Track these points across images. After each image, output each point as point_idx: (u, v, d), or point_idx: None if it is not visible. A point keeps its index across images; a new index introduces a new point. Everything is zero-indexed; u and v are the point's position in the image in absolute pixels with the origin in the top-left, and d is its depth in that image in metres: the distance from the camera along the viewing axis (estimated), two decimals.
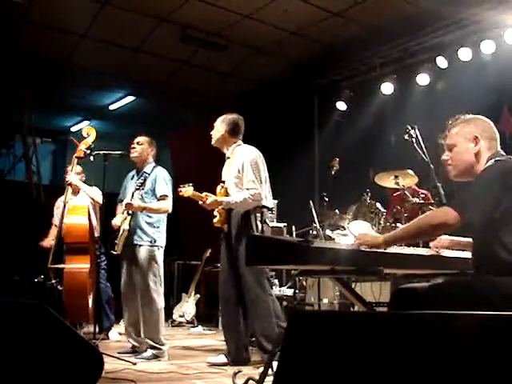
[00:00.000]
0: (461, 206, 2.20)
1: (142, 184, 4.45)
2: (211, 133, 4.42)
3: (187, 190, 4.12)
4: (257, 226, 4.05)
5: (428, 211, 5.24)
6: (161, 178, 4.55)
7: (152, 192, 4.53)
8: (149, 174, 4.59)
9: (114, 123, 10.72)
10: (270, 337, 3.92)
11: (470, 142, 2.42)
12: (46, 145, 12.02)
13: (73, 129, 11.51)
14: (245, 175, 4.11)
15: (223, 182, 4.29)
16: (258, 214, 4.09)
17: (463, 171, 2.44)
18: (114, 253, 4.56)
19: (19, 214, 7.79)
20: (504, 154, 2.41)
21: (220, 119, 4.39)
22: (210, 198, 4.06)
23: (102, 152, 4.60)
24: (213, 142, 4.42)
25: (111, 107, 10.10)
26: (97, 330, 5.49)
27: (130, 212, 4.49)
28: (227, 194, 4.21)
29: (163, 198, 4.49)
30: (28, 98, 7.34)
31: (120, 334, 5.71)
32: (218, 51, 7.66)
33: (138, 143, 4.69)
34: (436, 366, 1.44)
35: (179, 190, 4.15)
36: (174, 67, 8.33)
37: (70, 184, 5.00)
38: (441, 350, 1.44)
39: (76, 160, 4.91)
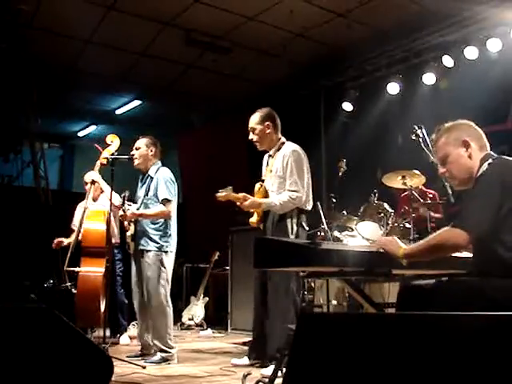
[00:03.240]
0: (467, 225, 2.20)
1: (125, 198, 4.44)
2: (251, 138, 4.24)
3: (224, 195, 4.00)
4: (292, 228, 3.99)
5: (433, 214, 5.26)
6: (162, 182, 4.53)
7: (155, 197, 4.53)
8: (152, 178, 4.61)
9: (120, 127, 10.74)
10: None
11: (460, 147, 2.40)
12: (53, 150, 12.10)
13: (80, 134, 11.57)
14: (288, 175, 4.02)
15: (262, 181, 4.23)
16: (295, 217, 4.02)
17: (465, 178, 2.42)
18: (130, 251, 4.61)
19: (27, 218, 7.84)
20: (494, 154, 2.39)
21: (256, 120, 4.22)
22: (250, 200, 4.00)
23: (109, 157, 4.62)
24: (261, 147, 4.26)
25: (118, 111, 10.14)
26: (108, 334, 5.54)
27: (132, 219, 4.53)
28: (266, 194, 4.15)
29: (164, 202, 4.48)
30: (35, 104, 7.38)
31: (130, 338, 5.72)
32: (223, 54, 7.67)
33: (136, 149, 4.69)
34: (445, 367, 1.43)
35: (217, 195, 4.04)
36: (179, 71, 8.35)
37: (93, 181, 5.06)
38: (450, 351, 1.43)
39: (99, 166, 4.96)
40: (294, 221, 4.01)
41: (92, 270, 4.68)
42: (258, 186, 4.23)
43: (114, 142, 5.03)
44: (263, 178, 4.27)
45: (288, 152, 4.10)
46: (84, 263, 4.88)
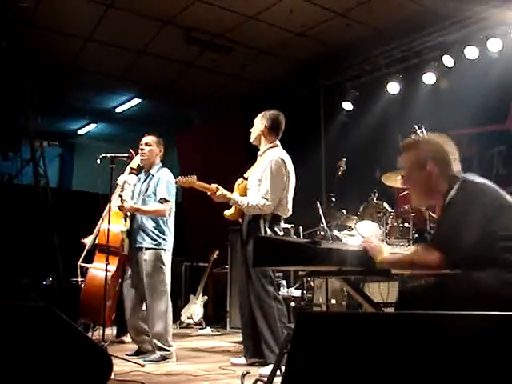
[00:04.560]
0: (443, 245, 2.22)
1: (123, 186, 4.47)
2: (250, 130, 4.37)
3: (185, 181, 4.09)
4: (265, 230, 4.04)
5: (433, 214, 5.25)
6: (163, 182, 4.53)
7: (154, 195, 4.53)
8: (153, 176, 4.60)
9: (120, 126, 10.76)
10: (278, 340, 3.90)
11: (419, 168, 2.41)
12: (52, 148, 12.08)
13: (79, 132, 11.56)
14: (263, 184, 4.06)
15: (246, 179, 4.28)
16: (268, 220, 4.06)
17: (422, 198, 2.49)
18: (123, 253, 4.60)
19: (27, 217, 7.82)
20: (458, 175, 2.37)
21: (260, 115, 4.34)
22: (220, 192, 4.06)
23: (108, 155, 4.59)
24: (252, 140, 4.36)
25: (117, 110, 10.13)
26: (114, 333, 5.54)
27: (129, 214, 4.51)
28: (246, 190, 4.21)
29: (162, 201, 4.48)
30: (34, 102, 7.36)
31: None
32: (223, 53, 7.66)
33: (146, 144, 4.66)
34: (444, 365, 1.43)
35: (177, 180, 4.13)
36: (179, 69, 8.34)
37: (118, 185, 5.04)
38: (449, 350, 1.43)
39: (129, 170, 4.91)
40: (267, 224, 4.06)
41: (102, 268, 4.69)
42: (239, 181, 4.30)
43: None
44: (245, 175, 4.31)
45: (271, 159, 4.13)
46: (96, 261, 4.94)
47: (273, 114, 4.31)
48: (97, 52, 7.59)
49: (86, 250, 5.15)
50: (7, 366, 2.02)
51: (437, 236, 2.31)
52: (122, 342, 5.53)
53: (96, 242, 5.18)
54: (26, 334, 2.09)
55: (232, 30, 7.16)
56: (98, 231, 5.12)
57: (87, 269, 5.06)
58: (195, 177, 4.14)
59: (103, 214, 5.16)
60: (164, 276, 4.46)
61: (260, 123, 4.30)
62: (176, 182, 4.21)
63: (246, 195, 4.22)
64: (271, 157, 4.15)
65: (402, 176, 2.57)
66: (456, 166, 2.41)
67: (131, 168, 4.86)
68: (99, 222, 5.22)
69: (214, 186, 4.11)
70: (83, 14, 6.55)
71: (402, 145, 2.53)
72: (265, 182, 4.06)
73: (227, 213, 4.26)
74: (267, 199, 4.01)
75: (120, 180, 4.96)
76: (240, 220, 4.26)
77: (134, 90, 9.31)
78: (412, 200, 2.59)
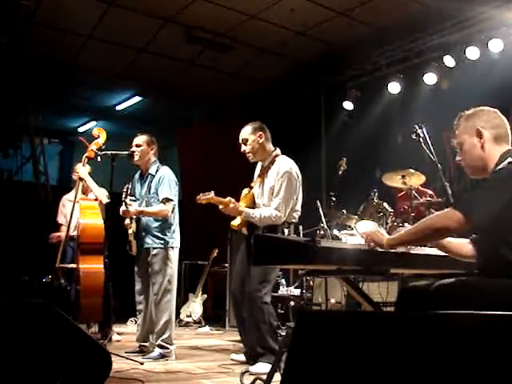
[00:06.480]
0: (467, 208, 2.12)
1: (127, 191, 4.46)
2: (244, 150, 4.19)
3: (205, 199, 4.01)
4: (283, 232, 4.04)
5: (433, 212, 5.24)
6: (165, 181, 4.55)
7: (157, 195, 4.54)
8: (154, 176, 4.61)
9: (121, 123, 10.74)
10: (261, 340, 3.90)
11: (474, 136, 2.37)
12: (53, 145, 12.07)
13: (80, 129, 11.56)
14: (276, 192, 4.02)
15: (251, 187, 4.24)
16: (286, 229, 4.06)
17: (476, 168, 2.38)
18: (132, 253, 4.61)
19: (27, 214, 7.83)
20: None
21: (248, 132, 4.17)
22: (233, 205, 3.99)
23: (109, 152, 4.60)
24: (253, 159, 4.23)
25: (118, 107, 10.13)
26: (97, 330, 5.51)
27: (133, 216, 4.52)
28: (252, 200, 4.18)
29: (164, 201, 4.50)
30: (35, 99, 7.37)
31: (119, 334, 5.69)
32: (224, 51, 7.66)
33: (136, 145, 4.67)
34: (443, 365, 1.43)
35: (197, 198, 4.05)
36: (179, 67, 8.34)
37: (80, 178, 5.04)
38: (448, 349, 1.44)
39: (86, 160, 4.95)
40: (286, 232, 4.05)
41: (93, 267, 4.67)
42: (245, 191, 4.26)
43: (100, 135, 5.02)
44: (252, 184, 4.28)
45: (282, 171, 4.05)
46: (83, 260, 4.85)
47: (260, 123, 4.25)
48: (98, 50, 7.59)
49: (61, 249, 5.04)
50: (7, 362, 2.02)
51: (462, 201, 2.17)
52: (110, 340, 5.44)
53: (75, 239, 5.12)
54: (27, 331, 2.09)
55: (233, 29, 7.15)
56: (69, 227, 5.09)
57: (67, 269, 5.01)
58: (213, 192, 4.04)
59: (72, 209, 5.07)
60: (170, 274, 4.48)
61: (255, 136, 4.17)
62: (197, 200, 4.06)
63: (252, 205, 4.17)
64: (282, 167, 4.08)
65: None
66: (508, 139, 2.36)
67: (87, 157, 4.92)
68: (67, 218, 5.16)
69: (227, 199, 4.03)
70: (84, 11, 6.55)
71: (461, 115, 2.48)
72: (277, 194, 4.01)
73: (234, 223, 4.20)
74: (279, 211, 3.98)
75: (82, 172, 4.95)
76: (244, 229, 4.21)
77: (134, 87, 9.31)
78: (468, 174, 2.45)
